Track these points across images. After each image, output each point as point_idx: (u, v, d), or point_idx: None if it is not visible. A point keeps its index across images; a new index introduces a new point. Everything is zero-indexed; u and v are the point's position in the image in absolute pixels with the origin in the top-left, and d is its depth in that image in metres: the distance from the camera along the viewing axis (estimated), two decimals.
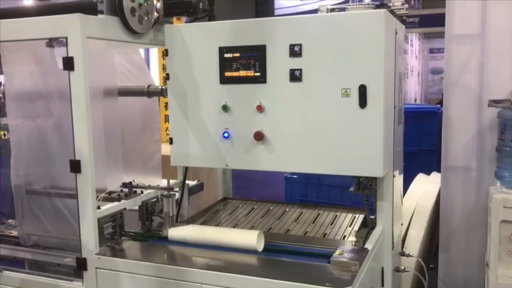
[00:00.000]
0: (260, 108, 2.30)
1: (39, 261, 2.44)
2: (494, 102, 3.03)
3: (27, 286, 2.31)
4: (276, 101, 2.28)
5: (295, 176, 4.75)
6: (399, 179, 2.73)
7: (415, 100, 12.60)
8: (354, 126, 2.17)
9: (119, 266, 2.17)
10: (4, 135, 2.54)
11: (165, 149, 2.68)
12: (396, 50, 2.37)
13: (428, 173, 4.09)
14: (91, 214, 2.17)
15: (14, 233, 2.65)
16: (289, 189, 4.92)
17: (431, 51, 15.42)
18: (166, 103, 2.52)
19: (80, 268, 2.20)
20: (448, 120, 3.34)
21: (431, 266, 3.55)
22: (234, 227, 2.75)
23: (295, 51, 2.21)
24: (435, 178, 3.80)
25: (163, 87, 2.57)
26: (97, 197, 2.25)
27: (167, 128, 2.56)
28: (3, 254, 2.48)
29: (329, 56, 2.17)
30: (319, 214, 2.92)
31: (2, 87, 2.73)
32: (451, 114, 3.33)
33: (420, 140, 5.02)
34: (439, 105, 5.40)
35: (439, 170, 3.54)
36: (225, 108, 2.36)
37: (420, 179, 3.91)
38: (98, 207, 2.24)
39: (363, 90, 2.13)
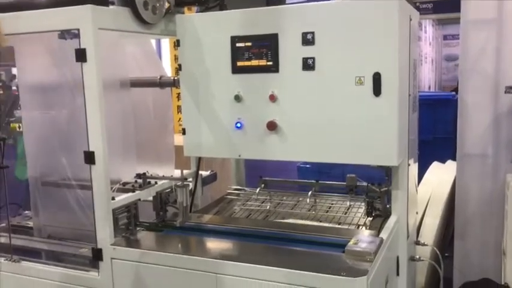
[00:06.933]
0: (273, 98, 2.28)
1: (55, 251, 2.46)
2: (511, 89, 2.98)
3: (44, 276, 2.34)
4: (289, 90, 2.26)
5: (308, 166, 4.73)
6: (414, 168, 2.70)
7: (429, 88, 12.44)
8: (368, 114, 2.14)
9: (134, 256, 2.19)
10: (19, 127, 2.56)
11: (178, 139, 2.68)
12: (410, 37, 2.33)
13: (443, 161, 4.04)
14: (106, 205, 2.18)
15: (31, 224, 2.68)
16: (302, 179, 4.90)
17: (445, 37, 15.16)
18: (179, 94, 2.51)
19: (95, 258, 2.22)
20: (464, 107, 3.29)
21: (446, 254, 3.52)
22: (247, 217, 2.76)
23: (307, 39, 2.18)
24: (450, 166, 3.75)
25: (176, 77, 2.56)
26: (111, 188, 2.27)
27: (180, 118, 2.56)
28: (20, 244, 2.51)
29: (342, 44, 2.14)
30: (332, 203, 2.91)
31: (16, 80, 2.75)
32: (466, 101, 3.28)
33: (435, 128, 4.96)
34: (454, 93, 5.32)
35: (454, 158, 3.50)
36: (238, 98, 2.34)
37: (435, 167, 3.87)
38: (113, 198, 2.26)
39: (377, 78, 2.10)
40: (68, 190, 2.43)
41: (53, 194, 2.51)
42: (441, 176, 3.62)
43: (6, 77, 3.02)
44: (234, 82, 2.35)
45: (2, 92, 2.93)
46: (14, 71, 2.80)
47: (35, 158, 2.56)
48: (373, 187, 2.55)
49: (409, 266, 2.57)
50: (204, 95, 2.42)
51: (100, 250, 2.21)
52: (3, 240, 2.52)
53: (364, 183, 2.61)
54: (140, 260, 2.17)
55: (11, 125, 2.57)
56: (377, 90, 2.11)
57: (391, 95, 2.11)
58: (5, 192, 2.46)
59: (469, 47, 3.24)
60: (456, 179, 3.38)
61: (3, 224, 2.61)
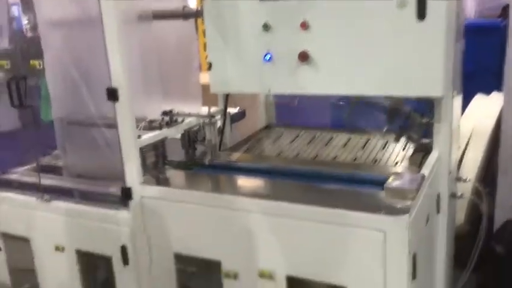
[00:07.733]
0: (304, 26, 2.09)
1: (85, 190, 2.44)
2: None
3: (75, 215, 2.34)
4: (322, 16, 2.06)
5: (341, 103, 4.55)
6: (457, 100, 2.51)
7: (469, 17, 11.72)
8: (410, 41, 1.94)
9: (164, 195, 2.14)
10: (39, 64, 2.48)
11: (206, 77, 2.55)
12: None
13: (488, 93, 3.79)
14: (132, 143, 2.12)
15: (61, 163, 2.67)
16: (336, 116, 4.74)
17: None
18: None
19: (125, 197, 2.19)
20: None
21: (487, 190, 3.37)
22: (277, 155, 2.66)
23: None
24: (496, 98, 3.52)
25: (199, 8, 2.39)
26: (137, 125, 2.19)
27: (207, 56, 2.42)
28: (50, 184, 2.51)
29: None
30: (368, 140, 2.77)
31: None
32: None
33: (480, 57, 4.62)
34: (500, 19, 4.93)
35: (499, 90, 3.26)
36: (266, 27, 2.16)
37: (479, 99, 3.64)
38: (139, 137, 2.19)
39: None
40: (94, 129, 2.38)
41: (79, 134, 2.47)
42: (485, 108, 3.40)
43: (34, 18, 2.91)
44: (262, 9, 2.16)
45: (30, 34, 2.83)
46: None
47: (59, 98, 2.50)
48: (416, 115, 2.36)
49: (450, 203, 2.45)
50: (230, 25, 2.25)
51: (129, 189, 2.17)
52: (33, 179, 2.52)
53: (408, 108, 2.42)
54: (171, 198, 2.13)
55: (31, 62, 2.49)
56: (421, 13, 1.89)
57: (437, 19, 1.89)
58: (32, 132, 2.42)
59: None
60: (502, 110, 3.16)
61: (34, 164, 2.61)
